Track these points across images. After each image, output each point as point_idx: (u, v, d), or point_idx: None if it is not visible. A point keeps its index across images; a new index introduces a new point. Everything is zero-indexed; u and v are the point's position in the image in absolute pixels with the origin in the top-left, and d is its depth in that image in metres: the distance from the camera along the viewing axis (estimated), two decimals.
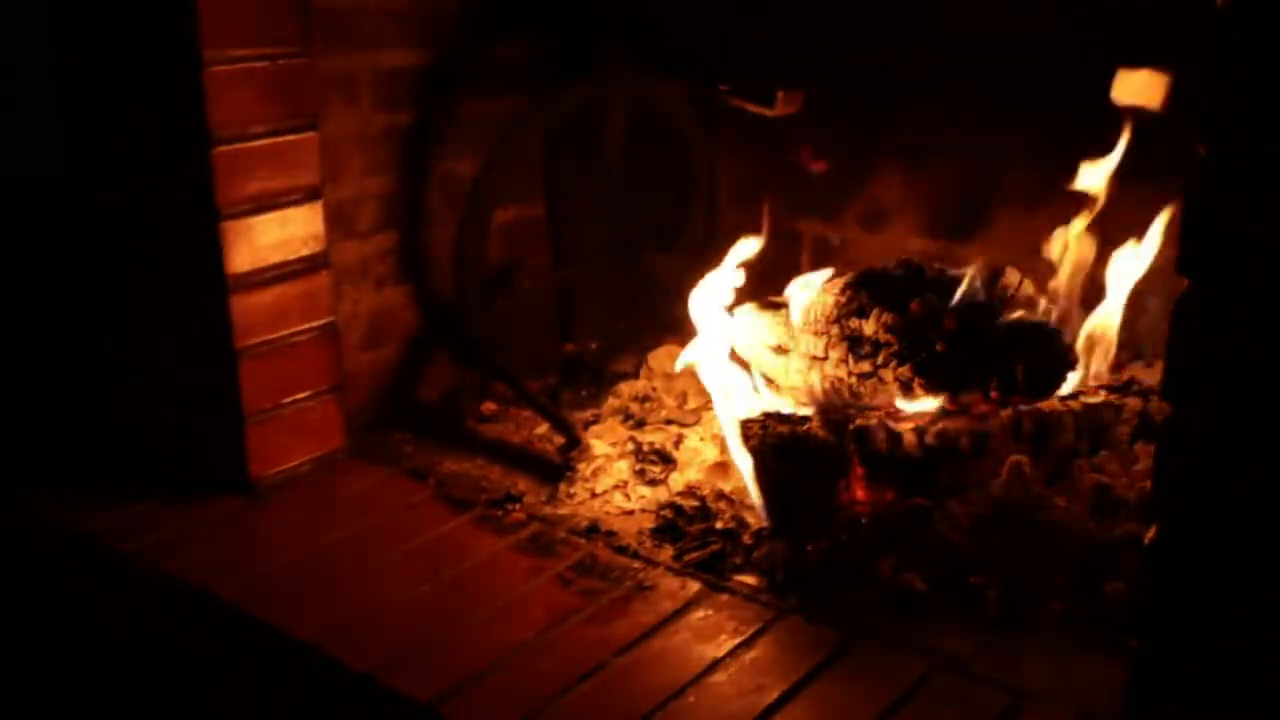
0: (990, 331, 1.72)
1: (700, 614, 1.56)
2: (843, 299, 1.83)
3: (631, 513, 1.83)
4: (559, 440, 2.04)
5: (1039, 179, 2.03)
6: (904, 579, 1.55)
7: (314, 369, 1.99)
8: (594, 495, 1.87)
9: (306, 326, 1.96)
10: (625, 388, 2.17)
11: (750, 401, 1.87)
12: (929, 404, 1.73)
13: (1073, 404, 1.76)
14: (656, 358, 2.25)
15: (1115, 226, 1.86)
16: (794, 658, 1.46)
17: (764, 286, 1.99)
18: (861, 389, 1.78)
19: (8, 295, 2.19)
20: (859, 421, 1.69)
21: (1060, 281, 1.91)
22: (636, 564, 1.69)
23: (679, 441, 1.96)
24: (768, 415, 1.75)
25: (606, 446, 1.96)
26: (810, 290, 1.90)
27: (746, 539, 1.68)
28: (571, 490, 1.88)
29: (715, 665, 1.45)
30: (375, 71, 2.09)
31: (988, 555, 1.56)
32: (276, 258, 1.90)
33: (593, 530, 1.78)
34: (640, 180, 2.29)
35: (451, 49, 2.20)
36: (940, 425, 1.68)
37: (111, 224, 1.99)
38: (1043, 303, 1.85)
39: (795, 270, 2.12)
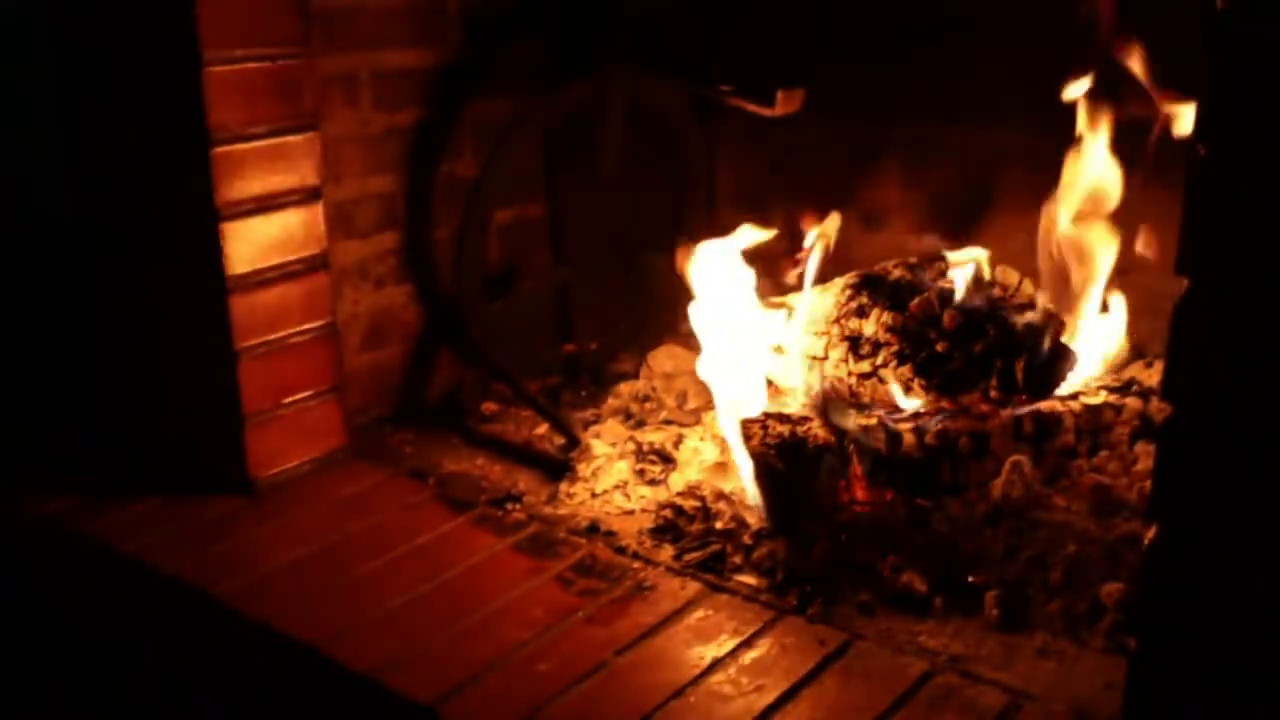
0: (990, 331, 1.72)
1: (700, 614, 1.56)
2: (843, 299, 1.83)
3: (631, 513, 1.83)
4: (559, 440, 2.04)
5: (1039, 179, 2.03)
6: (904, 579, 1.55)
7: (314, 369, 1.99)
8: (594, 495, 1.87)
9: (306, 326, 1.96)
10: (625, 388, 2.17)
11: (752, 401, 1.87)
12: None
13: (1073, 404, 1.76)
14: (656, 358, 2.25)
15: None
16: (794, 658, 1.46)
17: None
18: (861, 389, 1.79)
19: (8, 295, 2.19)
20: (859, 421, 1.69)
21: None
22: (636, 564, 1.69)
23: (679, 441, 1.96)
24: (768, 415, 1.76)
25: (606, 446, 1.96)
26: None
27: (746, 539, 1.68)
28: (571, 490, 1.88)
29: (715, 665, 1.45)
30: (375, 71, 2.09)
31: (988, 555, 1.56)
32: (276, 258, 1.90)
33: (593, 530, 1.78)
34: (640, 180, 2.29)
35: (452, 49, 2.20)
36: (940, 425, 1.68)
37: (111, 225, 1.99)
38: (1041, 300, 1.85)
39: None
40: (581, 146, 2.24)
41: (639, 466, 1.91)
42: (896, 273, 1.87)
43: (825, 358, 1.81)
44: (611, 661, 1.47)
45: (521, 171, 2.28)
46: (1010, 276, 1.87)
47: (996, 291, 1.84)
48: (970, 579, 1.54)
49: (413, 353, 2.26)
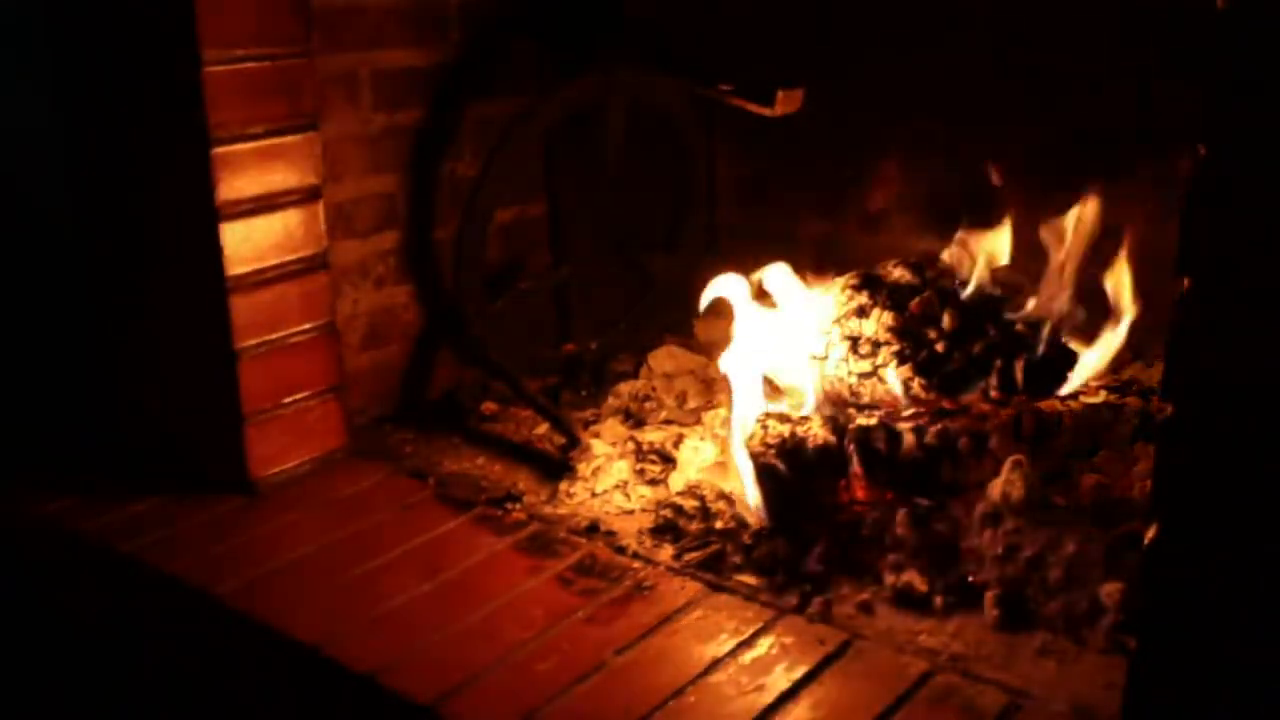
0: (990, 331, 1.72)
1: (700, 614, 1.56)
2: (843, 299, 1.83)
3: (631, 512, 1.83)
4: (559, 440, 2.04)
5: (1039, 179, 2.03)
6: (904, 579, 1.55)
7: (314, 369, 1.99)
8: (594, 495, 1.87)
9: (306, 326, 1.96)
10: (625, 388, 2.17)
11: (759, 402, 1.86)
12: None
13: (1073, 404, 1.76)
14: (656, 358, 2.25)
15: None
16: (794, 658, 1.46)
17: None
18: (861, 389, 1.79)
19: (8, 295, 2.19)
20: (859, 421, 1.69)
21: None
22: (636, 564, 1.69)
23: (679, 441, 1.96)
24: (768, 415, 1.75)
25: (606, 446, 1.96)
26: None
27: (746, 539, 1.68)
28: (571, 490, 1.88)
29: (715, 665, 1.45)
30: (375, 71, 2.09)
31: (988, 555, 1.56)
32: (276, 257, 1.90)
33: (593, 530, 1.78)
34: (640, 180, 2.29)
35: (452, 48, 2.20)
36: (940, 425, 1.68)
37: (111, 225, 1.99)
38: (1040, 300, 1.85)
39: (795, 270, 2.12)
40: (582, 146, 2.24)
41: (639, 466, 1.91)
42: (896, 273, 1.87)
43: (825, 358, 1.81)
44: (611, 661, 1.47)
45: (522, 171, 2.27)
46: (1011, 276, 1.86)
47: (999, 292, 1.84)
48: (970, 579, 1.54)
49: (413, 352, 2.26)
